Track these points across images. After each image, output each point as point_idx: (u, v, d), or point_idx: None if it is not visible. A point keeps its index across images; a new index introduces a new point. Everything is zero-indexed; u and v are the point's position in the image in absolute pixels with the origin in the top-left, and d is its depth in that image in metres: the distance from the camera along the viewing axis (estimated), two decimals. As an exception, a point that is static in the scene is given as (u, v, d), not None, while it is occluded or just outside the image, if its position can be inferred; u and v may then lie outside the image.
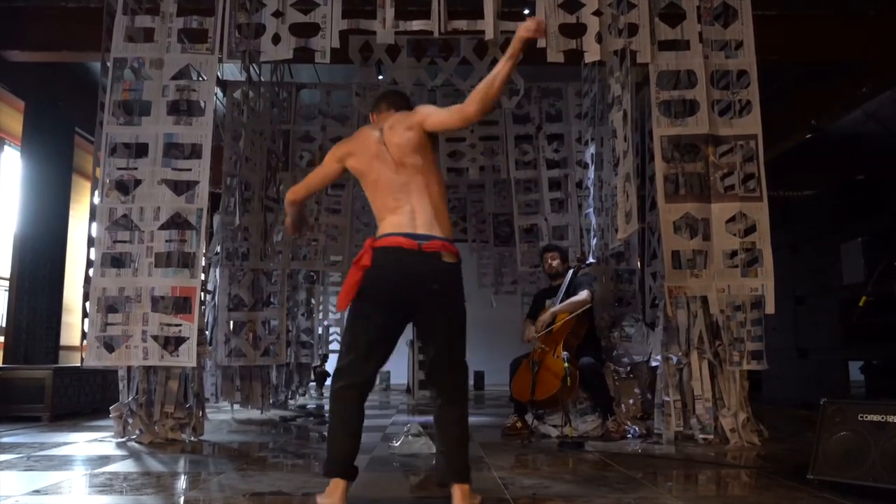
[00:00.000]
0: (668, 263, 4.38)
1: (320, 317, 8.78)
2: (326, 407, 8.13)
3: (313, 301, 8.15)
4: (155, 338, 4.19)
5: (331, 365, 10.51)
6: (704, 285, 4.38)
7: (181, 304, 4.32)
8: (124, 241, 4.24)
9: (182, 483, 3.36)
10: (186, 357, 4.20)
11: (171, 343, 4.30)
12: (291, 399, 7.96)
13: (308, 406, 7.87)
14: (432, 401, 2.82)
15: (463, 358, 2.80)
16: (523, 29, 2.59)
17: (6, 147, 7.12)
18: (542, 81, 6.74)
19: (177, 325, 4.18)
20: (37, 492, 3.02)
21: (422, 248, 2.67)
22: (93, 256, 4.31)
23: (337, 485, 2.63)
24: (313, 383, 9.85)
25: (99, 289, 4.18)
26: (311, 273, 7.92)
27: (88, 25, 5.64)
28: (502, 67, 2.58)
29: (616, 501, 2.87)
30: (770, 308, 4.34)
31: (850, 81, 7.37)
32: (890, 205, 6.69)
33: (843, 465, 3.05)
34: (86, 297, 4.28)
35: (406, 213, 2.73)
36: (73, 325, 7.89)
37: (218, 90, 6.06)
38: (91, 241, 4.36)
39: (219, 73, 5.03)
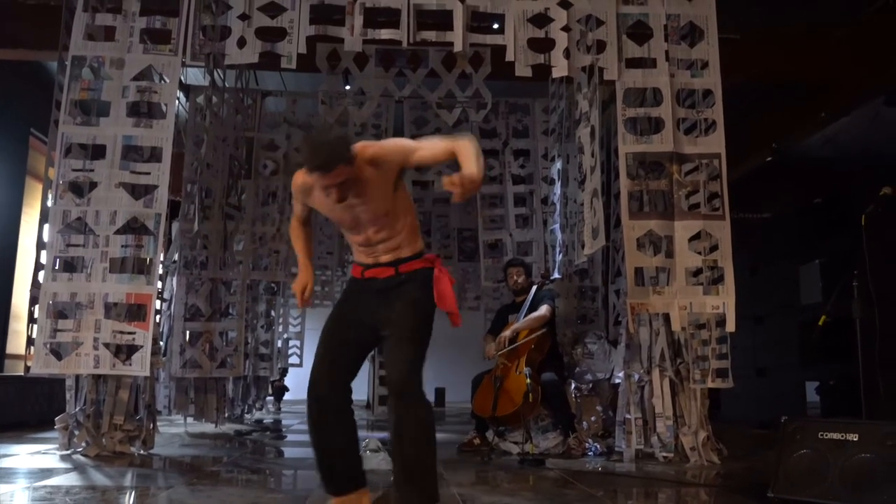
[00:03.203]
0: (631, 280, 4.38)
1: (280, 329, 8.61)
2: (283, 422, 7.97)
3: (273, 313, 7.99)
4: (107, 345, 4.04)
5: (289, 379, 10.35)
6: (667, 302, 4.39)
7: (135, 312, 4.17)
8: (77, 245, 4.09)
9: (128, 498, 3.22)
10: (139, 366, 4.06)
11: (124, 351, 4.15)
12: (248, 413, 7.79)
13: (265, 421, 7.70)
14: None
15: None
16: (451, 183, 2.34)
17: (-44, 147, 6.87)
18: (510, 97, 6.75)
19: (130, 333, 4.03)
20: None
21: None
22: (43, 260, 4.15)
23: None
24: (271, 398, 9.67)
25: (49, 293, 4.02)
26: (272, 284, 7.78)
27: (47, 23, 5.47)
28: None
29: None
30: (731, 326, 4.36)
31: (810, 106, 7.52)
32: (846, 227, 6.82)
33: (804, 483, 3.04)
34: (33, 302, 4.11)
35: None
36: (20, 332, 7.60)
37: (181, 94, 5.94)
38: (42, 245, 4.20)
39: (182, 77, 4.92)
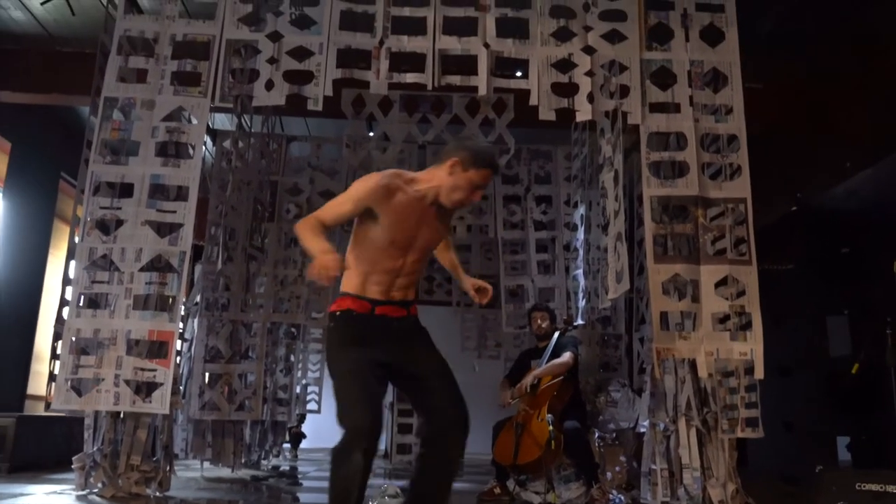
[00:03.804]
0: (657, 324, 4.31)
1: (299, 375, 8.55)
2: (300, 469, 7.86)
3: (292, 357, 7.94)
4: (128, 382, 4.02)
5: (306, 426, 10.22)
6: (693, 348, 4.31)
7: (156, 350, 4.17)
8: (102, 282, 4.12)
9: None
10: (159, 404, 4.03)
11: (143, 390, 4.13)
12: (265, 459, 7.68)
13: (281, 467, 7.59)
14: None
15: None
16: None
17: (-11, 188, 7.02)
18: (532, 143, 6.79)
19: (151, 370, 4.02)
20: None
21: None
22: (68, 296, 4.17)
23: None
24: (287, 444, 9.55)
25: (73, 329, 4.04)
26: (292, 329, 7.76)
27: (81, 69, 5.65)
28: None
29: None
30: (759, 373, 4.26)
31: (834, 155, 7.50)
32: (874, 277, 6.71)
33: (840, 535, 2.93)
34: (56, 338, 4.12)
35: None
36: (42, 373, 7.62)
37: (207, 139, 6.05)
38: (67, 281, 4.23)
39: (209, 123, 5.02)
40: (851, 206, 8.68)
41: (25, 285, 7.17)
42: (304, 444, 10.17)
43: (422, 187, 2.57)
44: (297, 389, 8.36)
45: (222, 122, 6.65)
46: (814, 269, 7.70)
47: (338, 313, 2.57)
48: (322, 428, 11.08)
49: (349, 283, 2.58)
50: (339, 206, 2.55)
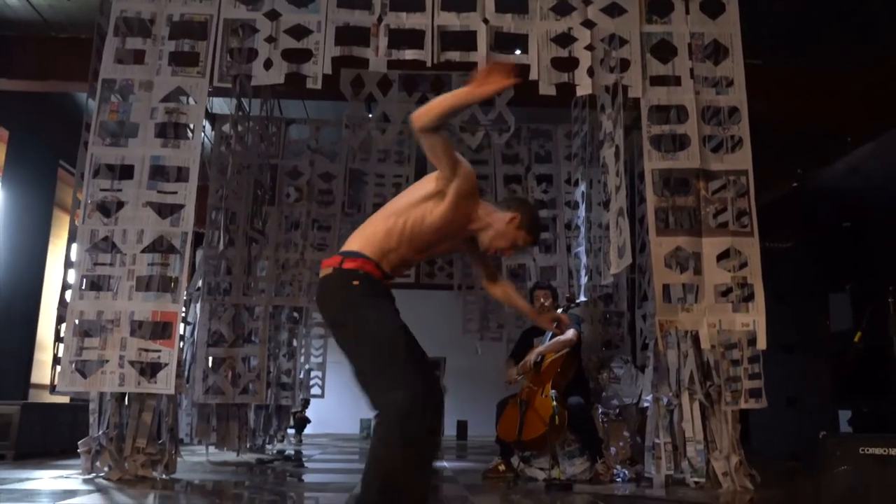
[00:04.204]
0: (659, 297, 4.31)
1: (302, 360, 8.56)
2: (305, 453, 7.88)
3: (295, 342, 7.95)
4: (132, 363, 4.03)
5: (310, 411, 10.26)
6: (695, 320, 4.31)
7: (160, 331, 4.17)
8: (105, 264, 4.11)
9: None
10: (164, 384, 4.03)
11: (147, 372, 4.13)
12: (269, 444, 7.70)
13: (286, 452, 7.61)
14: None
15: (376, 398, 2.19)
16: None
17: (-13, 177, 7.00)
18: (532, 122, 6.77)
19: (156, 351, 4.02)
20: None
21: None
22: (70, 279, 4.17)
23: None
24: (292, 429, 9.57)
25: (76, 312, 4.03)
26: (294, 313, 7.76)
27: (77, 55, 5.63)
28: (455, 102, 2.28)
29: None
30: (762, 344, 4.27)
31: (835, 133, 7.48)
32: (874, 250, 6.72)
33: (846, 500, 2.94)
34: (60, 321, 4.12)
35: None
36: (46, 362, 7.61)
37: (206, 124, 6.03)
38: (69, 264, 4.23)
39: (208, 106, 4.99)
40: (853, 183, 8.69)
41: (27, 275, 7.17)
42: (308, 430, 10.21)
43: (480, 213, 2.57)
44: (301, 374, 8.37)
45: (220, 106, 6.62)
46: (816, 246, 7.69)
47: (360, 272, 2.36)
48: (326, 413, 11.15)
49: (371, 248, 2.41)
50: (453, 160, 2.40)
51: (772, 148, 8.15)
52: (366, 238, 2.44)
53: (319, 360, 9.21)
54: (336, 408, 11.03)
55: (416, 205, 2.46)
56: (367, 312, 2.31)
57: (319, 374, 9.18)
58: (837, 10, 5.88)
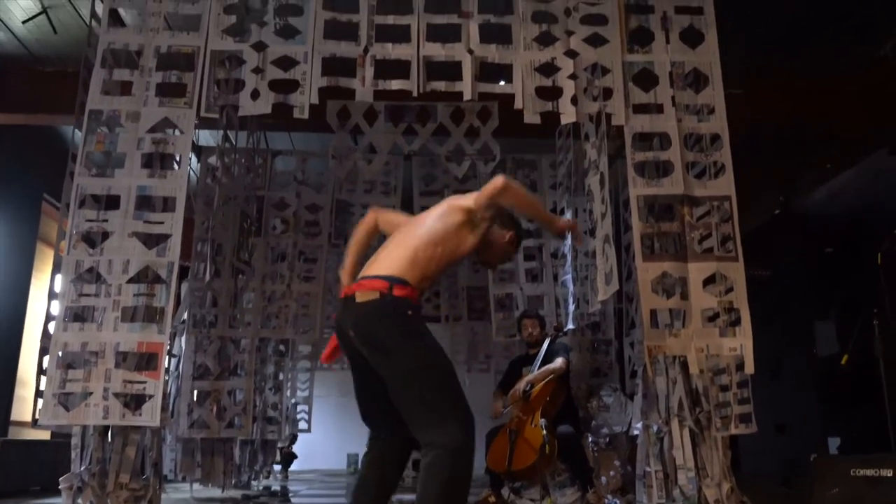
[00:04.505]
0: (647, 322, 4.32)
1: (288, 394, 8.47)
2: (292, 489, 7.75)
3: (281, 375, 7.87)
4: (117, 395, 3.96)
5: (301, 443, 10.11)
6: (684, 344, 4.32)
7: (145, 363, 4.11)
8: (90, 295, 4.07)
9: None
10: (150, 416, 3.96)
11: (132, 404, 4.07)
12: (255, 480, 7.58)
13: (272, 488, 7.49)
14: None
15: (430, 425, 2.32)
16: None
17: (-30, 211, 6.94)
18: (517, 153, 6.83)
19: (141, 383, 3.96)
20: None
21: (343, 295, 2.52)
22: (54, 311, 4.12)
23: None
24: (278, 465, 9.42)
25: (60, 343, 3.97)
26: (280, 346, 7.71)
27: (64, 89, 5.62)
28: (539, 216, 2.96)
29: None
30: (749, 368, 4.27)
31: (816, 160, 7.60)
32: (857, 275, 6.80)
33: (839, 522, 2.93)
34: (43, 353, 4.06)
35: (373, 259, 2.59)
36: (26, 398, 7.50)
37: (192, 156, 6.03)
38: (53, 295, 4.18)
39: (194, 139, 5.00)
40: (834, 211, 8.81)
41: (8, 310, 7.07)
42: (293, 466, 10.05)
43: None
44: (288, 408, 8.28)
45: (206, 139, 6.63)
46: (799, 273, 7.77)
47: (411, 301, 2.44)
48: (312, 448, 10.98)
49: (413, 275, 2.48)
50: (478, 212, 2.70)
51: (753, 177, 8.27)
52: (408, 263, 2.48)
53: (306, 393, 9.12)
54: (322, 442, 10.88)
55: (453, 234, 2.59)
56: (425, 343, 2.42)
57: (306, 407, 9.09)
58: (817, 37, 6.01)
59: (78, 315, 4.14)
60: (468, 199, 2.69)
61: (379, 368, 2.39)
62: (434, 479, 2.24)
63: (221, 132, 5.51)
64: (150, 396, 3.96)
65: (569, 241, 6.04)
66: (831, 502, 2.98)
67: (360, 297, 2.41)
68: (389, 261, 2.50)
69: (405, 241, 2.57)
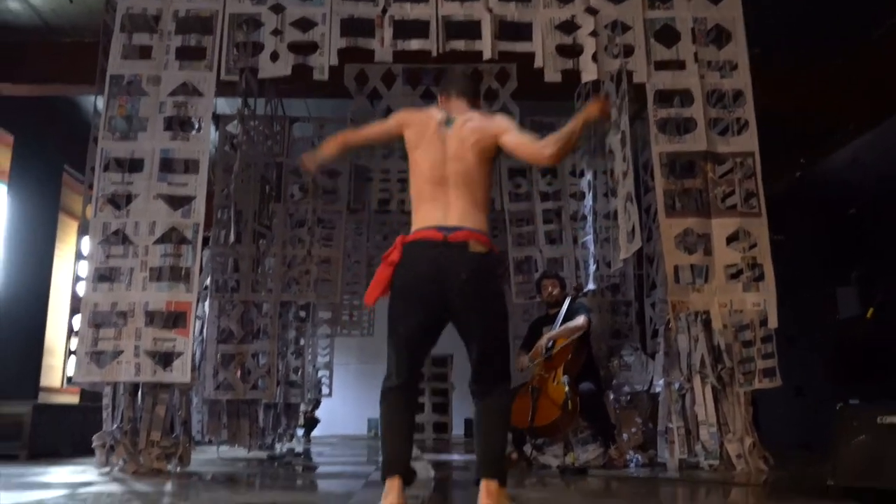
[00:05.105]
0: (671, 278, 4.33)
1: (309, 358, 8.57)
2: (314, 451, 7.88)
3: (302, 341, 7.95)
4: (148, 353, 4.04)
5: (323, 409, 10.27)
6: (706, 300, 4.33)
7: (173, 321, 4.19)
8: (117, 256, 4.13)
9: (172, 499, 3.17)
10: (180, 373, 4.04)
11: (162, 362, 4.15)
12: (278, 442, 7.70)
13: (296, 450, 7.61)
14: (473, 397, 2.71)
15: (506, 367, 2.75)
16: (594, 107, 2.70)
17: (-7, 182, 7.01)
18: (535, 116, 6.79)
19: (171, 340, 4.03)
20: (17, 504, 2.84)
21: (447, 240, 2.59)
22: (81, 273, 4.19)
23: (392, 484, 2.52)
24: (301, 429, 9.57)
25: (91, 303, 4.05)
26: (301, 312, 7.78)
27: (81, 59, 5.64)
28: (576, 126, 2.67)
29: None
30: (773, 322, 4.28)
31: (836, 124, 7.50)
32: (879, 241, 6.75)
33: (864, 469, 2.94)
34: (73, 313, 4.13)
35: (440, 205, 2.67)
36: (54, 367, 7.65)
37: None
38: (80, 256, 4.25)
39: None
40: (854, 177, 8.71)
41: (34, 281, 7.17)
42: (315, 432, 10.21)
43: None
44: (310, 370, 8.38)
45: (223, 108, 6.64)
46: (821, 237, 7.72)
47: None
48: (334, 414, 11.14)
49: (488, 231, 2.72)
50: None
51: (773, 142, 8.18)
52: (485, 218, 2.70)
53: (326, 359, 9.23)
54: (342, 409, 11.03)
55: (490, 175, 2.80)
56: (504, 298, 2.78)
57: (326, 373, 9.20)
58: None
59: (105, 276, 4.21)
60: (514, 138, 2.74)
61: (472, 311, 2.61)
62: (505, 408, 2.68)
63: (240, 100, 5.52)
64: (180, 354, 4.03)
65: (589, 202, 6.03)
66: (857, 451, 2.98)
67: (475, 248, 2.59)
68: (474, 216, 2.66)
69: (475, 187, 2.70)
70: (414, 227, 2.70)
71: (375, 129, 2.95)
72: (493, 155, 2.75)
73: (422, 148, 2.73)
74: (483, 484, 2.48)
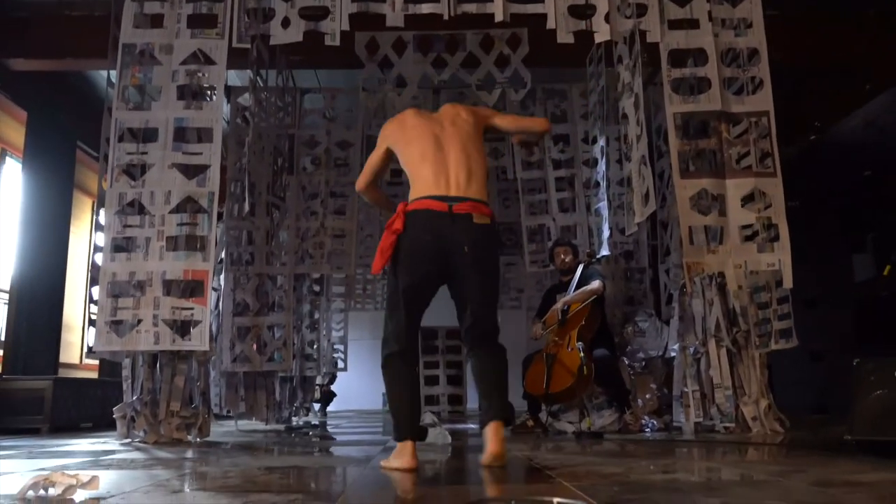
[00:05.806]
0: (686, 239, 4.31)
1: (324, 333, 8.62)
2: (330, 424, 7.95)
3: (317, 314, 8.00)
4: (166, 322, 4.08)
5: (337, 385, 10.34)
6: (721, 261, 4.32)
7: (191, 290, 4.22)
8: (134, 226, 4.16)
9: (194, 463, 3.21)
10: (199, 341, 4.08)
11: (180, 331, 4.19)
12: (295, 416, 7.78)
13: (313, 423, 7.69)
14: (468, 353, 2.90)
15: (496, 320, 2.91)
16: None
17: (7, 158, 7.04)
18: (547, 83, 6.74)
19: (189, 309, 4.07)
20: (42, 469, 2.88)
21: (452, 210, 2.70)
22: (99, 242, 4.22)
23: (405, 446, 2.66)
24: (317, 404, 9.65)
25: (109, 273, 4.08)
26: (315, 285, 7.81)
27: (91, 33, 5.63)
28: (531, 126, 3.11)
29: (647, 466, 2.74)
30: (788, 282, 4.26)
31: (852, 87, 7.39)
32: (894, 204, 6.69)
33: (883, 423, 2.93)
34: (92, 283, 4.17)
35: (441, 176, 2.78)
36: (73, 342, 7.73)
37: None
38: (98, 226, 4.27)
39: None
40: (870, 139, 8.60)
41: (50, 255, 7.21)
42: (330, 406, 10.29)
43: None
44: (325, 344, 8.43)
45: (234, 80, 6.62)
46: (835, 200, 7.65)
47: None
48: (348, 389, 11.22)
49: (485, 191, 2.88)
50: None
51: (788, 103, 8.08)
52: (485, 188, 2.85)
53: (340, 333, 9.28)
54: (357, 383, 11.11)
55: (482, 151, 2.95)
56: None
57: (341, 347, 9.25)
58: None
59: (121, 246, 4.24)
60: (500, 120, 3.10)
61: (473, 275, 2.75)
62: (501, 353, 2.84)
63: (251, 71, 5.50)
64: (198, 322, 4.06)
65: (602, 168, 6.00)
66: (876, 405, 2.97)
67: (478, 220, 2.74)
68: (476, 186, 2.80)
69: (466, 155, 2.83)
70: (414, 194, 2.81)
71: (375, 160, 3.06)
72: (482, 132, 2.97)
73: (410, 135, 2.91)
74: (492, 426, 2.60)
